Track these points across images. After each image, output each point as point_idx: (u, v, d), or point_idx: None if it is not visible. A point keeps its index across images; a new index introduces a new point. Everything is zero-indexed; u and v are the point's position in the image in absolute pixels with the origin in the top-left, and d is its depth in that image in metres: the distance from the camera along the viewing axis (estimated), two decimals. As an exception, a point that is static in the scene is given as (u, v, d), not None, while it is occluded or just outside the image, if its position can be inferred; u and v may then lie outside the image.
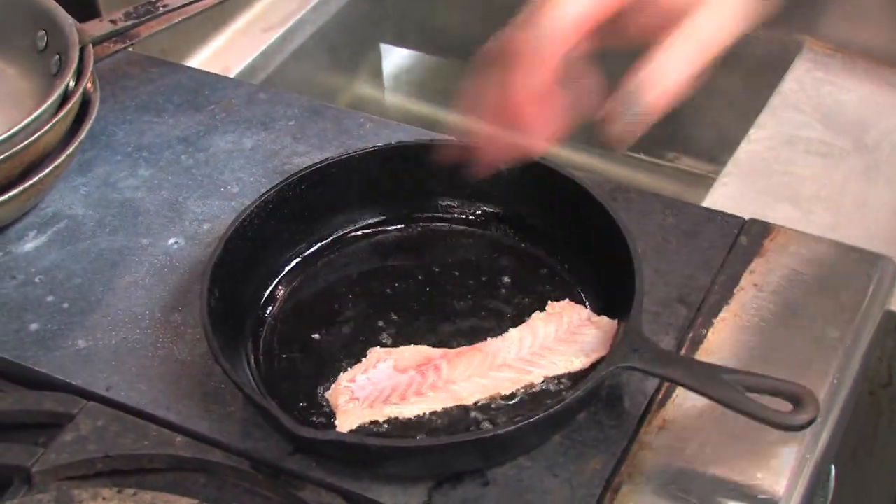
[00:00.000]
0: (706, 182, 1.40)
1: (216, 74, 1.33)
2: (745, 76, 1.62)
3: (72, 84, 1.08)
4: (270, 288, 1.02)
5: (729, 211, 1.10)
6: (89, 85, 1.11)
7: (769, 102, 1.46)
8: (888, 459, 1.29)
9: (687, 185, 1.64)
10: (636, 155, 1.69)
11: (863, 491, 1.34)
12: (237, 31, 1.61)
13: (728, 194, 1.32)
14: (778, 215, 1.28)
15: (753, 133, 1.42)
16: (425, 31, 1.88)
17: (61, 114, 1.05)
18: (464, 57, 1.70)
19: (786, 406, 0.83)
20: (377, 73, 1.87)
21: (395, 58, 1.89)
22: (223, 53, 1.57)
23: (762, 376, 0.86)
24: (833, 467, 1.07)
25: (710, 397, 0.84)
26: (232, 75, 1.54)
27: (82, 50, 1.11)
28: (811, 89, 1.48)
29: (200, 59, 1.55)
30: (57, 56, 1.12)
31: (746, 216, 1.08)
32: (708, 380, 0.85)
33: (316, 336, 0.98)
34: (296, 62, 1.67)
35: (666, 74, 0.77)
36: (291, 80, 1.65)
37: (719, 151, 1.49)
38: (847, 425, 1.00)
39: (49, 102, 1.04)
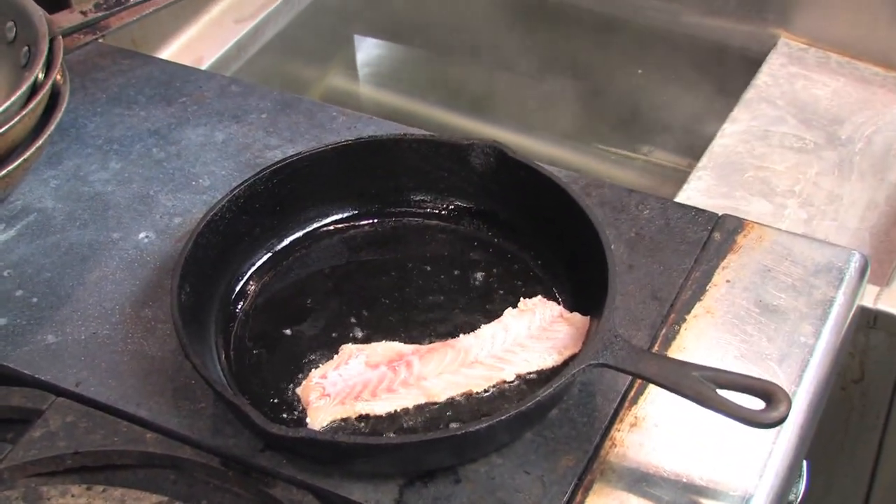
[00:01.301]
0: (681, 176, 1.40)
1: (188, 66, 1.32)
2: (719, 70, 1.62)
3: (41, 76, 1.06)
4: (241, 283, 1.01)
5: (703, 206, 1.10)
6: (59, 77, 1.10)
7: (743, 96, 1.46)
8: (860, 453, 1.29)
9: (662, 179, 1.64)
10: (611, 149, 1.69)
11: (836, 485, 1.34)
12: (210, 22, 1.60)
13: (702, 189, 1.33)
14: (752, 210, 1.29)
15: (727, 127, 1.42)
16: (400, 23, 1.87)
17: (30, 106, 1.04)
18: (439, 49, 1.70)
19: (758, 403, 0.83)
20: (351, 64, 1.86)
21: (368, 49, 1.88)
22: (195, 44, 1.56)
23: (734, 374, 0.86)
24: (806, 462, 1.08)
25: (682, 394, 0.84)
26: (204, 67, 1.53)
27: (52, 41, 1.09)
28: (785, 83, 1.49)
29: (172, 51, 1.54)
30: (26, 47, 1.10)
31: (720, 211, 1.08)
32: (680, 377, 0.84)
33: (287, 331, 0.98)
34: (269, 53, 1.67)
35: None
36: (264, 72, 1.65)
37: (694, 145, 1.49)
38: (820, 420, 1.01)
39: (17, 95, 1.02)
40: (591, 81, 1.78)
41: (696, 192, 1.32)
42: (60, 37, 1.11)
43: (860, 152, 1.38)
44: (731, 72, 1.58)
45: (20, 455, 0.89)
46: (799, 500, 1.07)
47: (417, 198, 1.06)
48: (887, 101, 1.45)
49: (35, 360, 0.97)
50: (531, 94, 1.82)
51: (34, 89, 1.06)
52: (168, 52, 1.53)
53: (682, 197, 1.31)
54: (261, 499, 0.87)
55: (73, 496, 0.87)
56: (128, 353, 0.97)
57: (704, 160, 1.37)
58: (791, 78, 1.49)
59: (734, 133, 1.41)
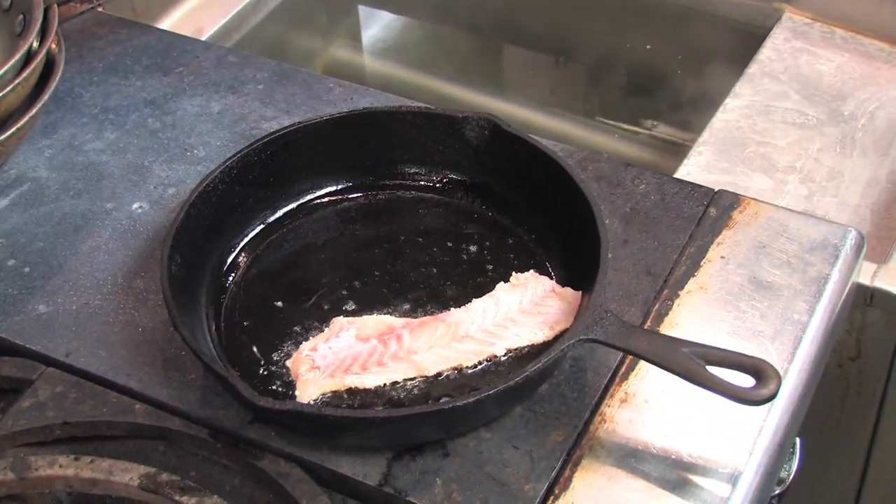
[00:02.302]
0: (683, 150, 1.39)
1: (185, 36, 1.31)
2: (723, 44, 1.61)
3: (35, 44, 1.06)
4: (233, 255, 1.01)
5: (703, 181, 1.09)
6: (53, 45, 1.09)
7: (746, 71, 1.45)
8: (856, 431, 1.29)
9: (664, 154, 1.63)
10: (613, 123, 1.68)
11: (830, 462, 1.34)
12: (211, -9, 1.59)
13: (702, 164, 1.32)
14: (752, 185, 1.28)
15: (729, 102, 1.41)
16: (405, -7, 1.86)
17: (24, 75, 1.03)
18: (443, 21, 1.69)
19: (748, 380, 0.83)
20: (356, 36, 1.85)
21: (374, 21, 1.87)
22: (196, 14, 1.55)
23: (725, 350, 0.85)
24: (799, 439, 1.07)
25: (671, 371, 0.84)
26: (205, 37, 1.52)
27: (47, 10, 1.09)
28: (789, 58, 1.48)
29: (173, 20, 1.53)
30: (21, 16, 1.10)
31: (720, 186, 1.07)
32: (670, 354, 0.84)
33: (279, 304, 0.97)
34: (271, 24, 1.66)
35: None
36: (266, 43, 1.64)
37: (697, 120, 1.48)
38: (814, 397, 1.00)
39: (11, 63, 1.02)
40: (595, 55, 1.77)
41: (697, 167, 1.31)
42: (55, 5, 1.10)
43: (863, 128, 1.37)
44: (736, 46, 1.57)
45: (9, 425, 0.89)
46: (791, 477, 1.07)
47: (411, 170, 1.06)
48: (891, 77, 1.44)
49: (26, 329, 0.97)
50: (535, 68, 1.81)
51: (28, 58, 1.05)
52: (168, 22, 1.52)
53: (683, 172, 1.30)
54: (249, 471, 0.87)
55: (60, 466, 0.87)
56: (119, 323, 0.97)
57: (705, 135, 1.36)
58: (795, 53, 1.48)
59: (736, 108, 1.39)
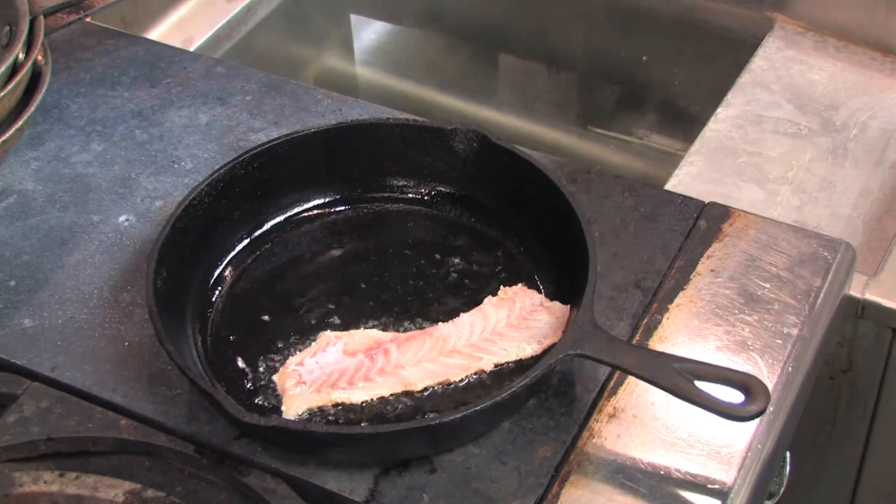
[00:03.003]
0: (675, 160, 1.38)
1: (174, 47, 1.31)
2: (715, 53, 1.60)
3: (21, 56, 1.05)
4: (220, 268, 1.00)
5: (693, 192, 1.09)
6: (40, 57, 1.08)
7: (738, 81, 1.44)
8: (848, 444, 1.28)
9: (655, 163, 1.63)
10: (606, 132, 1.68)
11: (822, 475, 1.33)
12: (201, 1, 1.58)
13: (693, 174, 1.31)
14: (743, 196, 1.27)
15: (721, 112, 1.40)
16: (397, 3, 1.86)
17: (9, 87, 1.02)
18: (436, 30, 1.69)
19: (737, 396, 0.82)
20: (347, 45, 1.85)
21: (366, 29, 1.86)
22: (186, 24, 1.55)
23: (713, 366, 0.85)
24: (789, 454, 1.07)
25: (660, 387, 0.83)
26: (194, 47, 1.52)
27: (33, 20, 1.08)
28: (781, 68, 1.47)
29: (162, 30, 1.52)
30: (7, 27, 1.09)
31: (711, 197, 1.06)
32: (658, 369, 0.83)
33: (265, 318, 0.97)
34: (262, 33, 1.65)
35: None
36: (257, 53, 1.63)
37: (688, 129, 1.48)
38: (805, 411, 1.00)
39: (-3, 75, 1.01)
40: (587, 65, 1.77)
41: (688, 177, 1.31)
42: (42, 16, 1.10)
43: (855, 138, 1.36)
44: (727, 55, 1.57)
45: (-7, 440, 0.89)
46: (781, 490, 1.06)
47: (399, 183, 1.05)
48: (884, 87, 1.43)
49: (11, 343, 0.96)
50: (527, 78, 1.81)
51: (14, 69, 1.04)
52: (158, 32, 1.52)
53: (674, 182, 1.29)
54: (235, 487, 0.86)
55: (45, 482, 0.86)
56: (104, 338, 0.96)
57: (697, 145, 1.35)
58: (787, 62, 1.48)
59: (727, 118, 1.39)
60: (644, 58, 1.66)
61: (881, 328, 1.16)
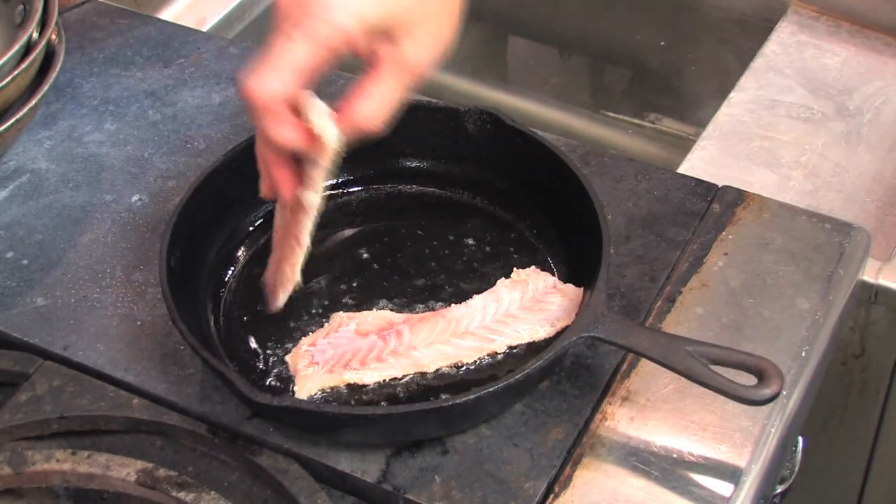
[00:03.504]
0: (688, 144, 1.38)
1: (187, 27, 1.31)
2: (728, 38, 1.60)
3: (35, 35, 1.05)
4: (233, 248, 1.00)
5: (706, 176, 1.08)
6: (53, 36, 1.08)
7: (751, 65, 1.44)
8: (859, 429, 1.28)
9: (668, 147, 1.62)
10: (617, 116, 1.67)
11: (833, 460, 1.33)
12: (214, -18, 1.58)
13: (706, 158, 1.31)
14: (756, 180, 1.27)
15: (734, 96, 1.40)
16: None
17: (23, 66, 1.02)
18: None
19: (750, 379, 0.82)
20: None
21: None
22: (198, 4, 1.54)
23: (727, 349, 0.84)
24: (801, 438, 1.07)
25: (673, 369, 0.83)
26: (207, 27, 1.51)
27: (47, 0, 1.08)
28: (794, 52, 1.46)
29: (175, 11, 1.52)
30: (21, 6, 1.09)
31: (724, 182, 1.06)
32: (672, 352, 0.83)
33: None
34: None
35: (375, 103, 0.82)
36: (268, 34, 1.62)
37: (701, 113, 1.47)
38: (817, 395, 0.99)
39: (10, 54, 1.01)
40: (599, 48, 1.76)
41: (701, 161, 1.30)
42: (56, -5, 1.10)
43: (868, 123, 1.35)
44: (741, 40, 1.56)
45: (6, 419, 0.89)
46: (794, 475, 1.06)
47: (412, 164, 1.05)
48: (898, 72, 1.43)
49: (23, 322, 0.96)
50: (540, 60, 1.80)
51: (28, 48, 1.04)
52: (170, 13, 1.51)
53: (686, 166, 1.29)
54: (247, 466, 0.86)
55: (57, 461, 0.86)
56: (117, 317, 0.96)
57: (709, 129, 1.35)
58: (800, 47, 1.47)
59: (740, 102, 1.38)
60: (661, 42, 1.66)
61: (894, 313, 1.16)
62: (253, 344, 0.93)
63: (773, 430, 0.88)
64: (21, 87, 1.05)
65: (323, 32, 0.78)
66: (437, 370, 0.90)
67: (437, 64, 0.84)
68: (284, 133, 0.81)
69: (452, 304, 0.95)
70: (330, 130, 0.82)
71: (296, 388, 0.89)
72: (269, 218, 1.02)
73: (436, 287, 0.97)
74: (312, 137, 0.82)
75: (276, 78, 0.79)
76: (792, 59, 1.45)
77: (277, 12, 0.80)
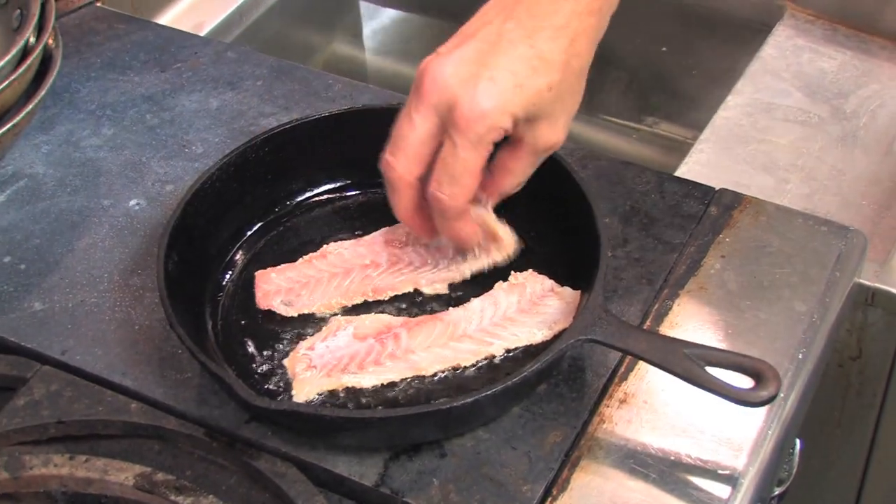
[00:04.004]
0: (685, 148, 1.38)
1: (184, 32, 1.31)
2: (725, 41, 1.60)
3: (32, 39, 1.05)
4: (231, 252, 1.00)
5: (703, 179, 1.08)
6: (51, 40, 1.09)
7: (748, 69, 1.44)
8: (856, 431, 1.28)
9: (665, 151, 1.62)
10: (615, 120, 1.67)
11: (831, 462, 1.33)
12: (211, -13, 1.58)
13: (703, 161, 1.31)
14: (753, 183, 1.27)
15: (731, 99, 1.40)
16: (407, -10, 1.86)
17: (20, 70, 1.03)
18: (447, 16, 1.68)
19: (747, 381, 0.82)
20: (356, 31, 1.84)
21: (375, 16, 1.86)
22: (196, 9, 1.54)
23: (724, 351, 0.85)
24: (799, 441, 1.07)
25: (670, 372, 0.83)
26: (205, 32, 1.52)
27: (44, 4, 1.08)
28: (791, 56, 1.47)
29: (173, 15, 1.52)
30: (18, 10, 1.09)
31: (721, 185, 1.06)
32: (669, 354, 0.83)
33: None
34: (271, 19, 1.65)
35: (516, 179, 0.92)
36: (266, 38, 1.63)
37: (698, 117, 1.47)
38: (815, 398, 1.00)
39: (8, 58, 1.01)
40: (597, 52, 1.76)
41: (698, 164, 1.30)
42: (53, 0, 1.10)
43: (865, 126, 1.36)
44: (738, 43, 1.56)
45: (3, 423, 0.89)
46: (791, 477, 1.06)
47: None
48: (893, 75, 1.43)
49: (21, 327, 0.96)
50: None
51: (25, 53, 1.04)
52: (168, 17, 1.51)
53: (683, 170, 1.29)
54: (245, 470, 0.86)
55: (55, 465, 0.86)
56: (115, 321, 0.96)
57: (707, 133, 1.35)
58: (797, 50, 1.47)
59: (737, 105, 1.39)
60: (658, 46, 1.66)
61: (891, 316, 1.16)
62: (251, 348, 0.93)
63: (770, 433, 0.88)
64: (18, 92, 1.05)
65: (487, 138, 0.85)
66: (435, 374, 0.90)
67: (569, 128, 0.90)
68: (469, 234, 0.92)
69: (450, 308, 0.95)
70: (510, 239, 0.97)
71: (294, 392, 0.89)
72: (266, 222, 1.03)
73: (433, 290, 0.97)
74: (494, 238, 0.96)
75: (462, 187, 0.87)
76: (788, 62, 1.45)
77: (427, 100, 0.86)
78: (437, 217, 0.89)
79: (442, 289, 0.97)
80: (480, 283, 0.97)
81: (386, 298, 0.97)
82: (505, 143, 0.89)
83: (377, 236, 1.00)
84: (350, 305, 0.96)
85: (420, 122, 0.86)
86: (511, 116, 0.85)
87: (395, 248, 0.99)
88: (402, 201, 0.90)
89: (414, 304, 0.96)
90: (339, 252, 0.99)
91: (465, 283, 0.98)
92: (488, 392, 0.83)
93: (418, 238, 0.98)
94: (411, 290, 0.97)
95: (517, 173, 0.91)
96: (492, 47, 0.85)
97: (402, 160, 0.88)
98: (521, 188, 0.93)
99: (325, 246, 1.00)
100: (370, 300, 0.96)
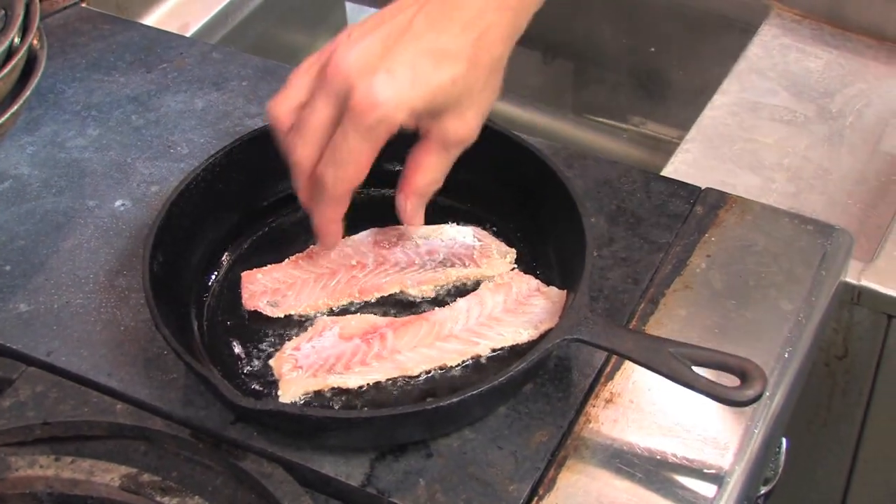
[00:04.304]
0: (671, 147, 1.38)
1: (169, 32, 1.31)
2: (711, 41, 1.60)
3: (17, 40, 1.05)
4: (216, 253, 1.00)
5: (690, 178, 1.08)
6: (35, 41, 1.08)
7: (734, 68, 1.44)
8: (842, 430, 1.29)
9: (651, 150, 1.63)
10: (601, 119, 1.67)
11: (817, 461, 1.33)
12: (196, -13, 1.58)
13: (689, 161, 1.31)
14: (739, 183, 1.27)
15: (717, 99, 1.40)
16: (393, -11, 1.85)
17: (5, 71, 1.02)
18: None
19: (733, 380, 0.82)
20: (341, 31, 1.84)
21: (361, 16, 1.86)
22: (181, 10, 1.54)
23: (710, 350, 0.84)
24: (785, 440, 1.07)
25: (656, 371, 0.83)
26: (190, 33, 1.51)
27: (28, 5, 1.08)
28: (777, 55, 1.47)
29: (158, 16, 1.52)
30: (2, 11, 1.09)
31: (707, 184, 1.06)
32: (655, 354, 0.83)
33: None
34: (257, 19, 1.65)
35: (424, 173, 0.91)
36: (252, 38, 1.63)
37: (684, 116, 1.47)
38: (801, 397, 1.00)
39: (-9, 60, 1.01)
40: (582, 51, 1.76)
41: (684, 164, 1.31)
42: (37, 0, 1.10)
43: (850, 126, 1.36)
44: (724, 42, 1.57)
45: (-12, 425, 0.88)
46: (777, 476, 1.06)
47: (395, 168, 1.04)
48: (879, 74, 1.43)
49: (6, 328, 0.96)
50: (523, 64, 1.80)
51: (10, 54, 1.04)
52: (153, 18, 1.51)
53: (670, 169, 1.29)
54: (231, 471, 0.86)
55: (41, 466, 0.86)
56: (100, 322, 0.96)
57: (693, 132, 1.35)
58: (783, 49, 1.48)
59: (723, 105, 1.39)
60: (644, 46, 1.66)
61: (877, 315, 1.16)
62: (237, 348, 0.93)
63: (756, 432, 0.88)
64: (3, 93, 1.05)
65: (378, 130, 0.85)
66: (421, 374, 0.90)
67: (482, 123, 0.90)
68: (332, 228, 0.92)
69: (436, 308, 0.95)
70: (502, 255, 0.98)
71: (280, 393, 0.89)
72: (251, 223, 1.03)
73: (419, 290, 0.97)
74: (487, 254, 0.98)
75: (345, 174, 0.87)
76: (775, 61, 1.45)
77: (329, 86, 0.86)
78: (316, 197, 0.89)
79: (428, 291, 0.97)
80: (468, 285, 0.97)
81: (373, 300, 0.96)
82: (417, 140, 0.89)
83: (364, 237, 1.00)
84: (337, 308, 0.96)
85: (321, 108, 0.86)
86: (407, 110, 0.84)
87: (381, 249, 0.99)
88: (302, 183, 0.90)
89: (401, 306, 0.96)
90: (325, 253, 0.99)
91: (451, 285, 0.97)
92: (474, 392, 0.83)
93: (406, 239, 0.98)
94: (398, 292, 0.97)
95: (428, 169, 0.90)
96: (397, 38, 0.85)
97: (300, 145, 0.88)
98: (513, 189, 0.93)
99: (311, 247, 1.00)
100: (357, 301, 0.96)
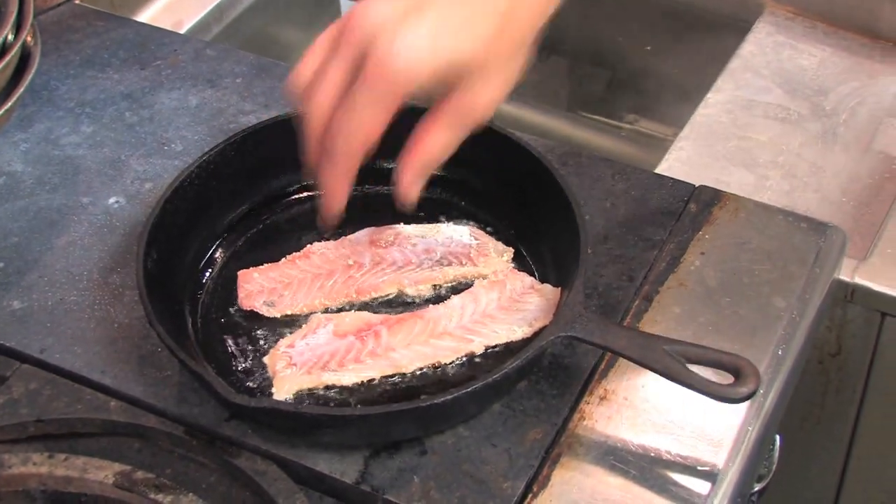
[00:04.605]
0: (665, 145, 1.39)
1: (164, 29, 1.30)
2: (705, 39, 1.60)
3: (10, 37, 1.05)
4: (210, 250, 1.00)
5: (683, 176, 1.08)
6: (29, 38, 1.08)
7: (728, 66, 1.45)
8: (836, 427, 1.29)
9: (645, 148, 1.63)
10: (595, 117, 1.68)
11: (811, 458, 1.34)
12: (190, -16, 1.58)
13: (683, 159, 1.32)
14: (733, 181, 1.28)
15: (711, 97, 1.40)
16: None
17: (-2, 67, 1.02)
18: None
19: (727, 378, 0.83)
20: (336, 28, 1.84)
21: (355, 13, 1.85)
22: (175, 7, 1.54)
23: (704, 347, 0.85)
24: (779, 437, 1.07)
25: (650, 368, 0.83)
26: (184, 30, 1.51)
27: (22, 1, 1.07)
28: (771, 53, 1.47)
29: (152, 13, 1.52)
30: (-4, 8, 1.09)
31: (701, 182, 1.06)
32: (649, 351, 0.84)
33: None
34: (251, 16, 1.65)
35: (430, 144, 0.86)
36: (247, 35, 1.63)
37: (678, 114, 1.48)
38: (794, 394, 1.00)
39: (-15, 56, 1.01)
40: (577, 49, 1.76)
41: (678, 162, 1.31)
42: (31, -3, 1.09)
43: (844, 123, 1.36)
44: (718, 40, 1.57)
45: (-18, 422, 0.88)
46: (771, 473, 1.07)
47: (390, 165, 1.04)
48: (873, 72, 1.44)
49: (0, 325, 0.96)
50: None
51: (3, 50, 1.04)
52: (147, 15, 1.51)
53: (664, 167, 1.29)
54: (225, 468, 0.86)
55: (34, 464, 0.86)
56: (94, 319, 0.96)
57: (687, 130, 1.35)
58: (777, 47, 1.48)
59: (717, 103, 1.39)
60: (639, 44, 1.66)
61: (870, 312, 1.17)
62: (231, 346, 0.93)
63: (750, 429, 0.88)
64: (-4, 90, 1.04)
65: (395, 90, 0.80)
66: (415, 371, 0.90)
67: (498, 104, 0.85)
68: (340, 187, 0.88)
69: (430, 305, 0.95)
70: (499, 254, 0.98)
71: (274, 390, 0.89)
72: (246, 220, 1.03)
73: (413, 288, 0.97)
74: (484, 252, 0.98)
75: (358, 129, 0.83)
76: (768, 59, 1.46)
77: (349, 38, 0.82)
78: (325, 156, 0.85)
79: (426, 290, 0.97)
80: (464, 284, 0.97)
81: (369, 300, 0.96)
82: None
83: (360, 236, 1.00)
84: (334, 308, 0.96)
85: (338, 63, 0.82)
86: (429, 71, 0.80)
87: (378, 248, 0.99)
88: (314, 141, 0.86)
89: (398, 306, 0.96)
90: (322, 252, 0.99)
91: (449, 284, 0.97)
92: (468, 389, 0.83)
93: (402, 238, 0.98)
94: (395, 292, 0.97)
95: (436, 141, 0.85)
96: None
97: (314, 100, 0.84)
98: (507, 187, 0.92)
99: (308, 246, 0.99)
100: (354, 301, 0.96)
